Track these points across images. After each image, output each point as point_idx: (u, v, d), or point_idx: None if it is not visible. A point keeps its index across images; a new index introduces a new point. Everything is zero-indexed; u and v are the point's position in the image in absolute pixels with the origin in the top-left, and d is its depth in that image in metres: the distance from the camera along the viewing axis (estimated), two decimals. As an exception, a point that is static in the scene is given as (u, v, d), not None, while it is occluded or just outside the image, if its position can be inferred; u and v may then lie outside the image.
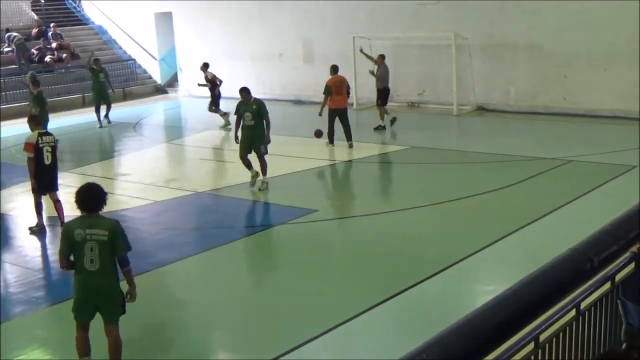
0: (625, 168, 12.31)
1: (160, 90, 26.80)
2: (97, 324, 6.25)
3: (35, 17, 28.40)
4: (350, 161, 15.00)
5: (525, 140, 15.37)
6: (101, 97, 19.99)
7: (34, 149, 10.14)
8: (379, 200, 12.33)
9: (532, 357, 3.88)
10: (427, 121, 18.61)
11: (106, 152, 17.84)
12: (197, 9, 24.74)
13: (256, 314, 7.75)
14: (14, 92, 22.31)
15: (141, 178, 14.06)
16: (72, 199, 6.19)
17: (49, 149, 10.27)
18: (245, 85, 12.56)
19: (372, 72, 17.57)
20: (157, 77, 27.11)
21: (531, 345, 3.87)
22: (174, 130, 20.18)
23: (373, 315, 7.39)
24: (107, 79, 20.53)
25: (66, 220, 10.26)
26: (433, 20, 19.51)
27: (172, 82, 26.87)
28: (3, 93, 22.39)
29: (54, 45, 25.70)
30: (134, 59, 27.06)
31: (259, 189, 12.22)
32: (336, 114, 15.36)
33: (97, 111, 19.91)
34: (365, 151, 15.85)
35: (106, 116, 19.92)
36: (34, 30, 26.56)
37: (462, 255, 8.84)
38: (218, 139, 18.13)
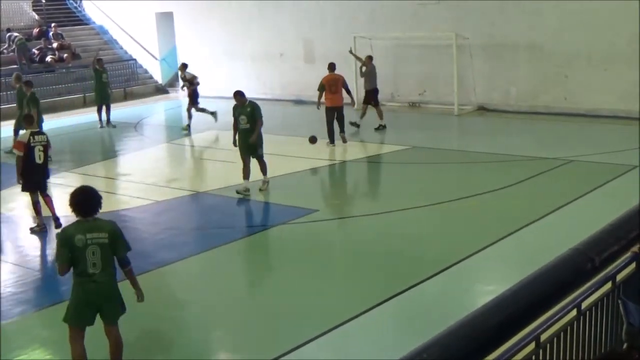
0: (626, 168, 12.30)
1: (161, 90, 26.81)
2: (95, 325, 6.22)
3: (36, 17, 28.40)
4: (350, 161, 15.00)
5: (525, 140, 15.36)
6: (103, 98, 19.97)
7: (25, 147, 10.18)
8: (379, 200, 12.32)
9: (533, 357, 3.87)
10: (428, 121, 18.60)
11: (107, 152, 17.84)
12: (197, 9, 24.75)
13: (256, 314, 7.75)
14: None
15: (142, 178, 14.05)
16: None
17: (41, 148, 10.30)
18: (239, 89, 12.36)
19: (360, 72, 17.59)
20: (158, 77, 27.11)
21: (532, 345, 3.86)
22: (175, 130, 20.16)
23: (373, 316, 7.38)
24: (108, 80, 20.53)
25: (57, 214, 10.39)
26: (433, 20, 19.50)
27: (173, 82, 26.87)
28: (3, 93, 22.36)
29: (55, 45, 25.70)
30: (134, 59, 27.07)
31: (260, 189, 12.20)
32: (333, 112, 15.48)
33: (99, 111, 19.89)
34: (366, 151, 15.87)
35: (108, 120, 19.85)
36: (35, 30, 26.57)
37: (462, 255, 8.83)
38: (219, 139, 18.11)
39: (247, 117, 11.91)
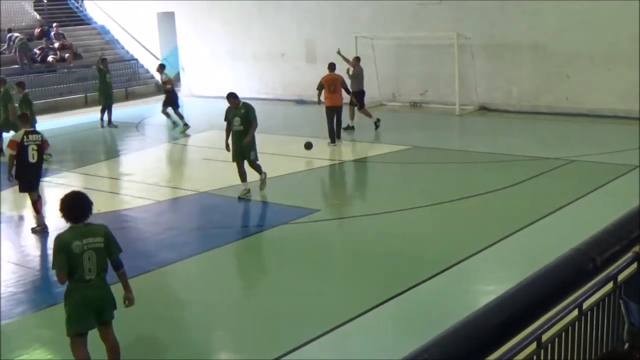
0: (627, 168, 12.29)
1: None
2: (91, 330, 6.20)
3: (38, 17, 28.42)
4: (351, 161, 14.99)
5: (527, 140, 15.35)
6: (107, 98, 19.96)
7: (18, 146, 10.19)
8: (380, 200, 12.29)
9: (535, 357, 3.87)
10: (429, 121, 18.59)
11: (109, 152, 17.85)
12: (198, 9, 24.74)
13: (257, 314, 7.74)
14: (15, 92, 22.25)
15: (143, 178, 14.05)
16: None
17: (35, 147, 10.31)
18: (232, 91, 12.25)
19: (347, 74, 17.51)
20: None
21: (533, 345, 3.86)
22: (176, 130, 20.14)
23: (373, 316, 7.37)
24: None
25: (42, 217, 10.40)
26: (434, 20, 19.49)
27: (175, 81, 26.84)
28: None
29: (56, 45, 25.73)
30: (136, 59, 27.08)
31: (260, 189, 12.18)
32: (333, 112, 15.57)
33: (102, 111, 19.87)
34: (367, 151, 15.86)
35: (109, 121, 19.84)
36: (37, 30, 26.59)
37: (463, 255, 8.82)
38: (220, 138, 18.08)
39: (241, 118, 11.80)
